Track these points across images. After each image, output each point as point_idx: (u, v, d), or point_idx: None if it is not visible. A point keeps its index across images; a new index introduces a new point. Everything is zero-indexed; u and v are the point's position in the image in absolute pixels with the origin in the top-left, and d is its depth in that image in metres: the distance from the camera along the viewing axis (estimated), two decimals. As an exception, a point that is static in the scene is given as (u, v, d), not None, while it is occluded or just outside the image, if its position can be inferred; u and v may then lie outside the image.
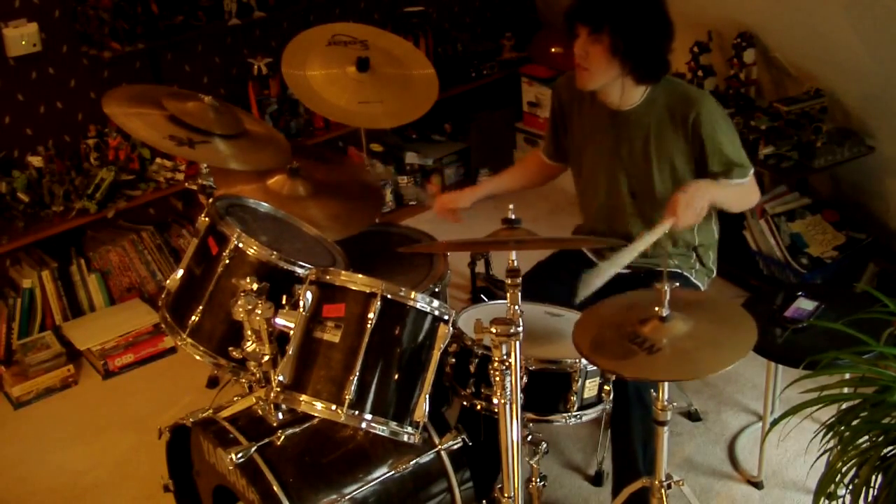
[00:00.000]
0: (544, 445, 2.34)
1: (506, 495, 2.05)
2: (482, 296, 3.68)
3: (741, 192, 2.62)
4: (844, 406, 2.12)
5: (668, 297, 1.98)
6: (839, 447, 2.02)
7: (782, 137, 3.50)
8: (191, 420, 2.31)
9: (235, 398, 2.40)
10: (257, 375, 2.20)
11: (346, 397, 2.03)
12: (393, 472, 2.28)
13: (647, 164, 2.61)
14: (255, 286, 2.12)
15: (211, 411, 2.35)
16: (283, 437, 2.23)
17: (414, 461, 2.31)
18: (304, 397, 2.06)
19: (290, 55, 3.08)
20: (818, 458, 2.14)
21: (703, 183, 2.50)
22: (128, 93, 2.69)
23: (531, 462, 2.34)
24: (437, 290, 2.65)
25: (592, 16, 2.43)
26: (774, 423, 2.30)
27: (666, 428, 2.11)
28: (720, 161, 2.56)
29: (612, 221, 2.73)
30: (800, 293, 2.79)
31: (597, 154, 2.69)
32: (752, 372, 3.27)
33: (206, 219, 2.34)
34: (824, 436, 2.08)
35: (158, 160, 3.89)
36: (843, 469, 1.99)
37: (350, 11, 4.47)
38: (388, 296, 2.07)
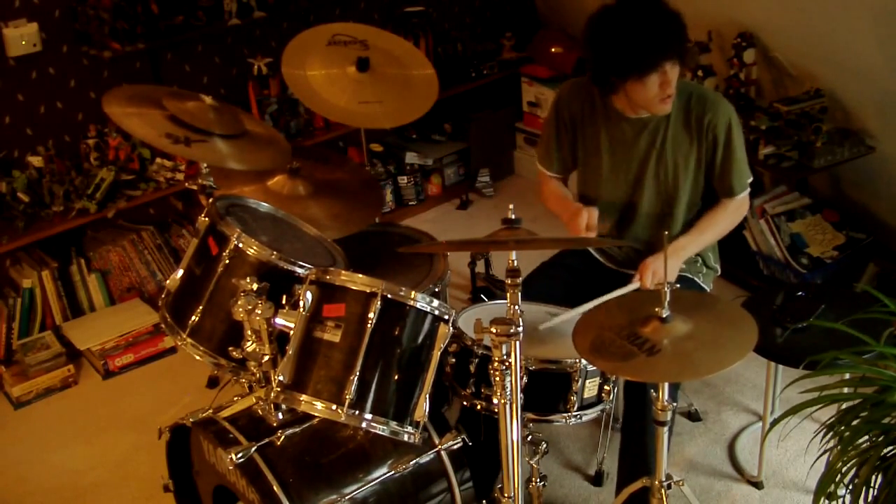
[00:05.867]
0: (544, 445, 2.35)
1: (506, 495, 2.05)
2: (482, 296, 3.68)
3: (723, 226, 2.68)
4: (844, 406, 2.12)
5: (668, 298, 1.99)
6: (839, 447, 2.02)
7: (782, 137, 3.50)
8: (191, 420, 2.31)
9: (235, 398, 2.40)
10: (257, 375, 2.20)
11: (347, 397, 2.03)
12: (393, 472, 2.28)
13: (669, 167, 2.62)
14: (255, 286, 2.12)
15: (211, 411, 2.34)
16: (283, 437, 2.23)
17: (414, 461, 2.30)
18: (304, 397, 2.06)
19: (290, 55, 3.08)
20: (818, 458, 2.14)
21: (672, 249, 2.53)
22: (128, 92, 2.69)
23: (531, 462, 2.35)
24: (437, 290, 2.65)
25: (677, 49, 2.46)
26: (774, 423, 2.30)
27: (666, 428, 2.11)
28: (725, 168, 2.60)
29: (628, 225, 2.72)
30: (800, 293, 2.79)
31: (618, 160, 2.66)
32: (752, 372, 3.27)
33: (206, 219, 2.34)
34: (824, 436, 2.08)
35: (158, 160, 3.89)
36: (843, 469, 1.99)
37: (350, 11, 4.47)
38: (389, 295, 2.07)
